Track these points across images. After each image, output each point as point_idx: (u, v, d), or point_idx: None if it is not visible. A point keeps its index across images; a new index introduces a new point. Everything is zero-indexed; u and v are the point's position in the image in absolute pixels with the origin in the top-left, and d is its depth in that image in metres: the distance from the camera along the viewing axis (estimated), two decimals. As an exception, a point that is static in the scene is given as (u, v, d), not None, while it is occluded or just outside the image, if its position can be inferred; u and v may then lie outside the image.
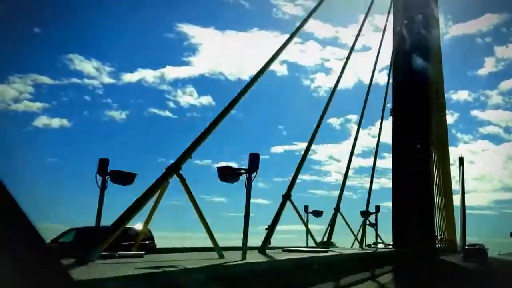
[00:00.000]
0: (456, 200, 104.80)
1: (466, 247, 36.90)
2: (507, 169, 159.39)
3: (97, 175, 7.26)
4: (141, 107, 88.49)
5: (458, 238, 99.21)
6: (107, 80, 79.63)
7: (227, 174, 7.38)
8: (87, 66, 65.64)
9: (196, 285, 5.02)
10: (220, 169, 7.46)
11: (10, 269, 1.32)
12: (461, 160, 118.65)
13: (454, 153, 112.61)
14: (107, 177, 7.19)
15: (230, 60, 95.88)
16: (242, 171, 7.44)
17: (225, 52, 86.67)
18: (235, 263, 6.45)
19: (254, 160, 7.56)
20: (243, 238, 7.44)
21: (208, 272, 5.51)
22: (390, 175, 27.36)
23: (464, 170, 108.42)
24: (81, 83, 64.10)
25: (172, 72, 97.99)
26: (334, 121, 45.48)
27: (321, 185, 73.36)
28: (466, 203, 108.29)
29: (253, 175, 7.47)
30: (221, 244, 7.23)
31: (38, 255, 1.47)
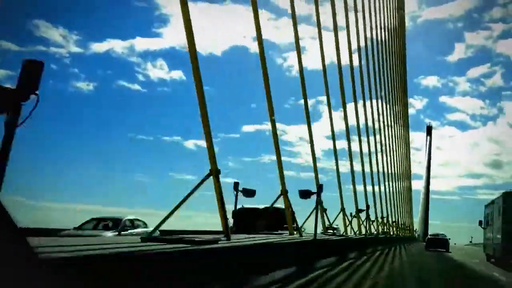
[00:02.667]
0: (419, 185, 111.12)
1: (429, 236, 40.18)
2: (472, 156, 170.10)
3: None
4: (110, 79, 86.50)
5: (418, 225, 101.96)
6: (74, 49, 76.80)
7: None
8: (54, 33, 63.83)
9: None
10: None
11: None
12: (429, 129, 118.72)
13: (421, 138, 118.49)
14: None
15: (202, 33, 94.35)
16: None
17: (197, 25, 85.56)
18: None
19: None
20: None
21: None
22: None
23: (431, 156, 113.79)
24: (48, 51, 62.23)
25: (142, 43, 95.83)
26: (303, 102, 47.01)
27: (291, 166, 75.56)
28: (431, 188, 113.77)
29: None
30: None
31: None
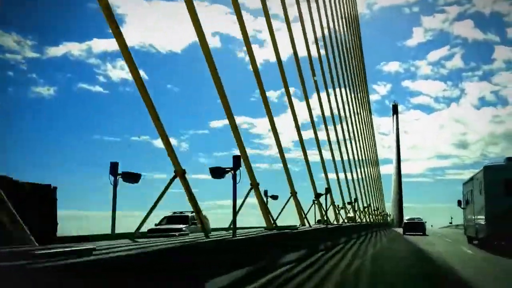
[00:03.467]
0: (389, 169, 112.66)
1: (406, 221, 41.85)
2: (439, 138, 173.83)
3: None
4: (70, 82, 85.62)
5: (392, 210, 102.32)
6: (31, 54, 75.69)
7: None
8: (7, 39, 62.83)
9: None
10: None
11: None
12: (394, 107, 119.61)
13: (388, 123, 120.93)
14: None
15: (159, 31, 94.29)
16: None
17: (153, 23, 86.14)
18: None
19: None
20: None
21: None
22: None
23: (399, 136, 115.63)
24: (3, 58, 61.34)
25: (99, 45, 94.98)
26: (271, 94, 48.21)
27: (263, 159, 78.44)
28: (402, 172, 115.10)
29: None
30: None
31: None
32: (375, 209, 50.58)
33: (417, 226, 38.25)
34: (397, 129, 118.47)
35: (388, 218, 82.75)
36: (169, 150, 9.47)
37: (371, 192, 48.63)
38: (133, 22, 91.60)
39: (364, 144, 47.58)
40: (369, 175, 49.35)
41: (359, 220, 34.89)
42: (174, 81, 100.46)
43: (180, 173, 9.45)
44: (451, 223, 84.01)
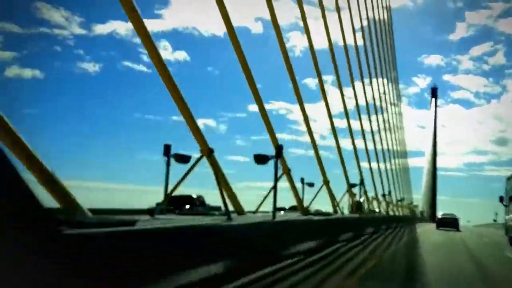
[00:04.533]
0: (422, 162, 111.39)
1: (439, 216, 42.37)
2: (477, 133, 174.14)
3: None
4: (114, 60, 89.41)
5: (423, 204, 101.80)
6: (78, 31, 79.16)
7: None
8: (56, 15, 65.38)
9: None
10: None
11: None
12: (433, 91, 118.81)
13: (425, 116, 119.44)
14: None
15: (203, 14, 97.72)
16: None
17: (197, 5, 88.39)
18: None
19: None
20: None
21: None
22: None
23: (437, 121, 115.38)
24: (51, 33, 63.72)
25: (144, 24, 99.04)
26: (310, 82, 48.10)
27: (298, 144, 77.43)
28: (438, 165, 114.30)
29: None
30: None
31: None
32: (400, 200, 49.00)
33: (451, 222, 38.59)
34: (435, 114, 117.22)
35: (417, 211, 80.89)
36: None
37: (400, 184, 48.82)
38: (177, 3, 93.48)
39: (395, 135, 47.61)
40: (399, 166, 49.47)
41: (389, 212, 36.67)
42: (214, 64, 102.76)
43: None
44: (495, 220, 71.50)
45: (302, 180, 15.91)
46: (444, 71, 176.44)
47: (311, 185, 16.91)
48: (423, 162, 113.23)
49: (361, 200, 24.68)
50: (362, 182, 23.72)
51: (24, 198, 1.63)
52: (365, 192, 25.69)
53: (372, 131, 31.72)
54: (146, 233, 5.22)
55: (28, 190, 1.56)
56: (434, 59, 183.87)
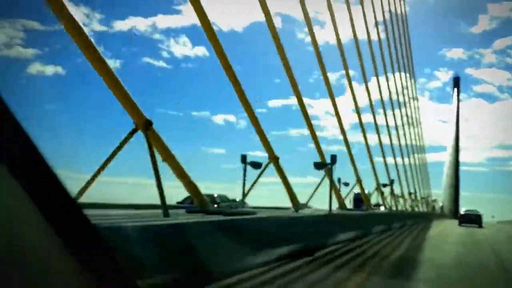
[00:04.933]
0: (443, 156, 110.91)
1: (462, 212, 42.76)
2: (500, 128, 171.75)
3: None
4: (135, 56, 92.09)
5: (444, 200, 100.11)
6: (98, 27, 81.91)
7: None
8: (77, 12, 67.27)
9: None
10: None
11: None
12: (456, 80, 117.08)
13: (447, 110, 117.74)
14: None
15: (222, 9, 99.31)
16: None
17: (216, 1, 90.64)
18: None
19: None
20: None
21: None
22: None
23: (459, 111, 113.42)
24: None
25: (163, 21, 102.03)
26: (329, 76, 49.79)
27: (319, 139, 79.61)
28: (460, 160, 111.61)
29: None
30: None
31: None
32: (421, 196, 50.80)
33: (474, 218, 39.25)
34: (458, 106, 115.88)
35: (436, 206, 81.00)
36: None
37: (419, 180, 49.82)
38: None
39: (413, 129, 49.03)
40: (418, 161, 50.76)
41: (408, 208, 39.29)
42: (233, 59, 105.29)
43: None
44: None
45: (339, 179, 18.29)
46: (466, 64, 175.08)
47: (346, 184, 19.42)
48: (445, 157, 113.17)
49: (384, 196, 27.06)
50: (392, 182, 27.10)
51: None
52: (392, 192, 28.54)
53: (389, 126, 33.19)
54: (261, 219, 7.77)
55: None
56: (455, 53, 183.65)
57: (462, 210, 44.90)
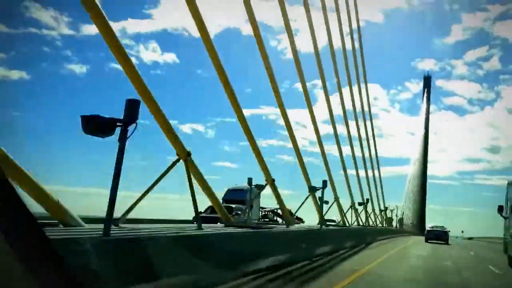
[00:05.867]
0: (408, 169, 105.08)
1: (429, 228, 43.33)
2: (469, 141, 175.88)
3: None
4: (102, 61, 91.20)
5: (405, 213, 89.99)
6: (66, 31, 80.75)
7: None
8: (45, 15, 66.46)
9: None
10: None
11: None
12: (426, 80, 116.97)
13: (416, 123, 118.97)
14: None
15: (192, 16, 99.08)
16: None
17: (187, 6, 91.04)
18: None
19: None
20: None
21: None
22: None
23: (428, 139, 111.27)
24: (39, 33, 67.96)
25: (133, 25, 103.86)
26: (300, 86, 50.77)
27: (286, 151, 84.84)
28: (428, 173, 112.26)
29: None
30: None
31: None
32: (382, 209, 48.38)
33: (440, 235, 39.52)
34: (428, 109, 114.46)
35: (394, 223, 68.71)
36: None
37: (379, 193, 47.41)
38: (167, 3, 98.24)
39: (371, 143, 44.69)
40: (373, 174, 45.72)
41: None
42: (203, 67, 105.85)
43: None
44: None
45: (320, 199, 19.64)
46: (437, 75, 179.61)
47: (326, 202, 20.81)
48: (409, 170, 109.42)
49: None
50: (368, 201, 29.90)
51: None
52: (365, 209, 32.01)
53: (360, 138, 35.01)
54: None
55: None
56: (427, 63, 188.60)
57: (428, 226, 45.18)
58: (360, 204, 31.25)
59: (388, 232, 46.17)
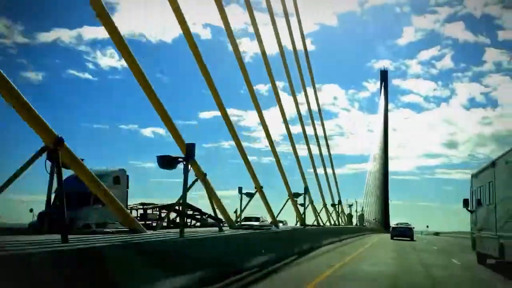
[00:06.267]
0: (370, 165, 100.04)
1: (394, 225, 44.78)
2: (428, 137, 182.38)
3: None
4: (59, 68, 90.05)
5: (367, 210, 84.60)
6: (20, 39, 79.48)
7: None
8: None
9: None
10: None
11: None
12: (383, 74, 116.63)
13: (375, 121, 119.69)
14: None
15: (150, 21, 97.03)
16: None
17: (144, 13, 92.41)
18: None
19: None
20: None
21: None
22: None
23: (388, 135, 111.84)
24: None
25: (89, 32, 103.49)
26: (261, 87, 53.49)
27: (252, 151, 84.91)
28: (390, 169, 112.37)
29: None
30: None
31: None
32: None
33: (405, 232, 40.98)
34: (386, 103, 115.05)
35: (354, 220, 66.61)
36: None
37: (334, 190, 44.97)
38: (123, 10, 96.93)
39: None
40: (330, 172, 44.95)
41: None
42: (163, 71, 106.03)
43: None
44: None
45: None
46: (393, 75, 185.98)
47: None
48: (369, 165, 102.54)
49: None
50: (339, 203, 29.95)
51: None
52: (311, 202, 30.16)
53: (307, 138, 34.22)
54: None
55: None
56: (383, 64, 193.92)
57: (393, 223, 46.56)
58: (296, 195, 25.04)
59: (343, 231, 39.02)
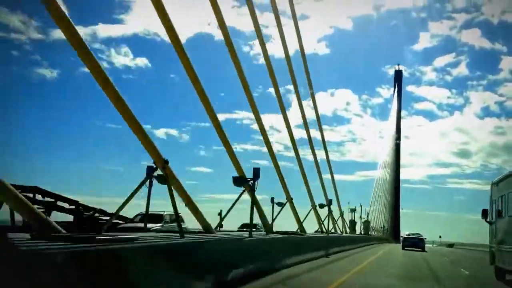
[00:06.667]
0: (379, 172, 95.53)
1: (405, 235, 45.05)
2: (440, 145, 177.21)
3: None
4: (73, 66, 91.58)
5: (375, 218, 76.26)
6: (35, 35, 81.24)
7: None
8: (13, 19, 66.63)
9: None
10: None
11: None
12: (397, 74, 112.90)
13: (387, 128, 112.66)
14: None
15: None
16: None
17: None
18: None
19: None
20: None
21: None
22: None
23: (400, 142, 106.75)
24: (6, 37, 65.09)
25: (104, 30, 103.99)
26: (273, 91, 53.38)
27: (262, 155, 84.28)
28: (401, 177, 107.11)
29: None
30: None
31: None
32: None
33: (417, 243, 41.14)
34: (399, 107, 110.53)
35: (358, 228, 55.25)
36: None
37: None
38: (139, 8, 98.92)
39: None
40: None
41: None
42: (176, 71, 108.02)
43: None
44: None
45: (272, 199, 20.69)
46: (407, 81, 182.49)
47: (279, 204, 21.57)
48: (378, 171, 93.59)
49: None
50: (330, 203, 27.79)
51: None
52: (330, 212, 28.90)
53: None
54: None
55: None
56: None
57: (405, 234, 46.29)
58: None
59: (342, 241, 31.27)
